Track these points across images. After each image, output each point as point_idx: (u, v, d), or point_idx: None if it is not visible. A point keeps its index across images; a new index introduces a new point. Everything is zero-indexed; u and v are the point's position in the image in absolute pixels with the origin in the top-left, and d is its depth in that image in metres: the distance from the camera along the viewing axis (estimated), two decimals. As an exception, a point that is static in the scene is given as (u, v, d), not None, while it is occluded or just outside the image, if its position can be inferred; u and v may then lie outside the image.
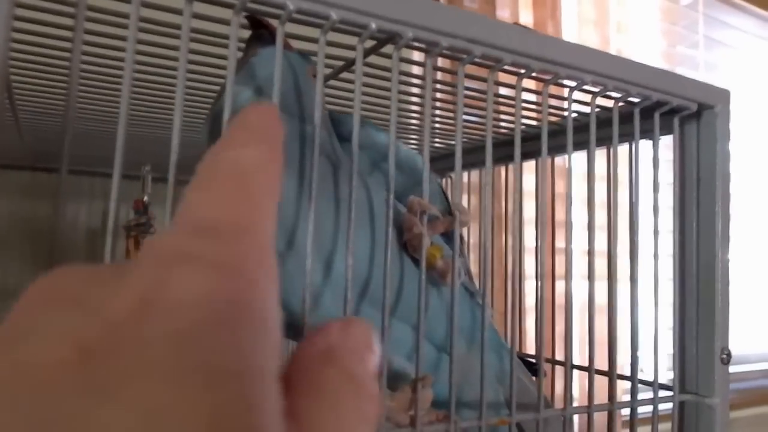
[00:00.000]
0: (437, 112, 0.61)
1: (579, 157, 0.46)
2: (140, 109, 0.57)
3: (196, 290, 0.12)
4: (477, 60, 0.38)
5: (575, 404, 0.42)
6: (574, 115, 0.44)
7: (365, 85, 0.50)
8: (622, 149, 0.46)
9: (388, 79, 0.42)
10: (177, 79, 0.30)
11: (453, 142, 0.70)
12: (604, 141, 0.47)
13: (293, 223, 0.37)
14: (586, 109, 0.46)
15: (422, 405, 0.36)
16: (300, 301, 0.32)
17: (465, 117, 0.59)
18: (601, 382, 0.44)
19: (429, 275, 0.40)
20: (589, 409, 0.43)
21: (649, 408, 0.45)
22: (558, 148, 0.47)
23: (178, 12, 0.32)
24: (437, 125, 0.65)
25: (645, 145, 0.48)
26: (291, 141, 0.38)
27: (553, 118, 0.55)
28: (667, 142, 0.48)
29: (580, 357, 0.87)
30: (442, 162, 0.75)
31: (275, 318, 0.13)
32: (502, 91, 0.54)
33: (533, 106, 0.56)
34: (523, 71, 0.40)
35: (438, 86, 0.54)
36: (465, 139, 0.66)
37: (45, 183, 0.81)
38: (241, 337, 0.12)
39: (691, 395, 0.47)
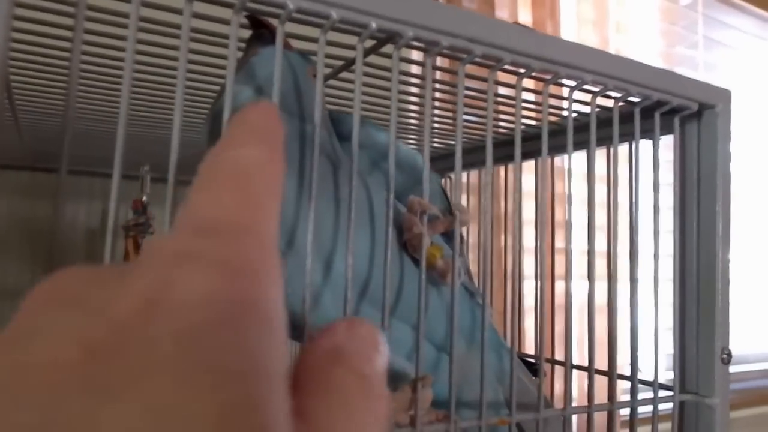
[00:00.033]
0: (436, 112, 0.61)
1: (577, 157, 0.46)
2: (140, 109, 0.57)
3: (201, 290, 0.12)
4: (477, 60, 0.38)
5: (574, 404, 0.42)
6: (573, 114, 0.44)
7: (365, 84, 0.50)
8: (622, 149, 0.46)
9: (387, 79, 0.42)
10: (177, 78, 0.30)
11: (451, 143, 0.70)
12: (604, 141, 0.47)
13: (293, 222, 0.37)
14: (586, 109, 0.46)
15: (422, 405, 0.36)
16: (300, 300, 0.32)
17: (464, 117, 0.59)
18: (599, 382, 0.44)
19: (429, 275, 0.40)
20: (589, 409, 0.43)
21: (649, 408, 0.45)
22: (557, 148, 0.47)
23: (178, 12, 0.32)
24: (435, 125, 0.65)
25: (645, 146, 0.48)
26: (291, 141, 0.38)
27: (552, 118, 0.55)
28: (666, 142, 0.48)
29: (578, 357, 0.87)
30: (440, 162, 0.75)
31: (280, 317, 0.13)
32: (502, 90, 0.54)
33: (533, 106, 0.56)
34: (523, 71, 0.40)
35: (437, 86, 0.54)
36: (464, 139, 0.66)
37: (44, 183, 0.81)
38: (247, 336, 0.12)
39: (691, 395, 0.47)
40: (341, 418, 0.13)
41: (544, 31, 1.26)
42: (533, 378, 0.49)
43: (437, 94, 0.57)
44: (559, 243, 0.73)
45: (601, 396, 0.44)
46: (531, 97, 0.54)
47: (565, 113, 0.54)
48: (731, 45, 1.82)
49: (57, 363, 0.11)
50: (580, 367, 0.53)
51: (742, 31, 1.86)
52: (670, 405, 0.46)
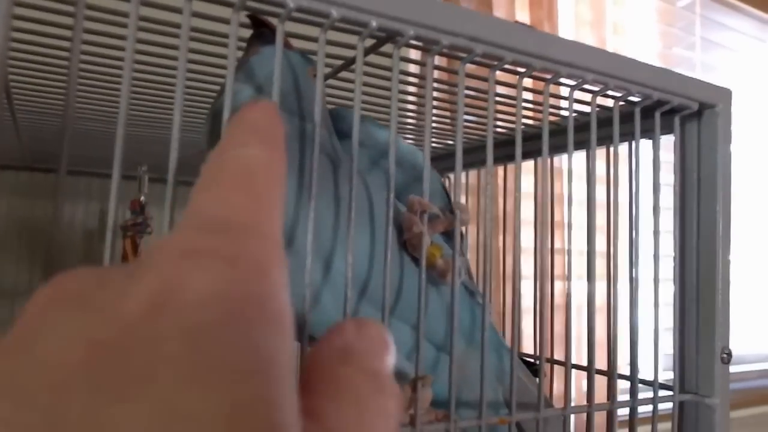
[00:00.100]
0: (434, 111, 0.61)
1: (576, 157, 0.46)
2: (139, 109, 0.56)
3: (208, 287, 0.12)
4: (477, 59, 0.38)
5: (573, 404, 0.42)
6: (573, 114, 0.44)
7: (364, 84, 0.49)
8: (622, 149, 0.46)
9: (387, 78, 0.42)
10: (176, 78, 0.30)
11: (449, 142, 0.70)
12: (604, 140, 0.47)
13: (293, 222, 0.37)
14: (586, 109, 0.46)
15: (422, 404, 0.36)
16: (299, 300, 0.32)
17: (464, 117, 0.59)
18: (599, 382, 0.44)
19: (429, 274, 0.39)
20: (589, 409, 0.43)
21: (649, 408, 0.45)
22: (557, 147, 0.47)
23: (177, 11, 0.32)
24: (434, 125, 0.65)
25: (644, 146, 0.48)
26: (291, 140, 0.38)
27: (552, 118, 0.55)
28: (666, 143, 0.48)
29: (577, 357, 0.87)
30: (438, 163, 0.75)
31: (287, 314, 0.13)
32: (501, 90, 0.54)
33: (532, 106, 0.56)
34: (524, 70, 0.40)
35: (436, 85, 0.54)
36: (464, 139, 0.66)
37: (42, 183, 0.81)
38: (255, 334, 0.12)
39: (691, 395, 0.47)
40: (352, 417, 0.13)
41: (542, 32, 1.26)
42: (533, 378, 0.49)
43: (436, 94, 0.57)
44: (559, 243, 0.73)
45: (599, 396, 0.44)
46: (529, 96, 0.54)
47: (564, 113, 0.54)
48: (729, 46, 1.83)
49: (64, 363, 0.11)
50: (579, 367, 0.53)
51: (740, 33, 1.87)
52: (669, 405, 0.46)
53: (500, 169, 0.72)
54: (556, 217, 0.71)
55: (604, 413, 0.44)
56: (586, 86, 0.42)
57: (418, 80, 0.57)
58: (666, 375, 0.45)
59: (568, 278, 0.50)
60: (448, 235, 0.45)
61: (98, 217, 0.86)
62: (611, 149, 0.46)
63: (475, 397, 0.39)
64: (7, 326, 0.13)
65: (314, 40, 0.34)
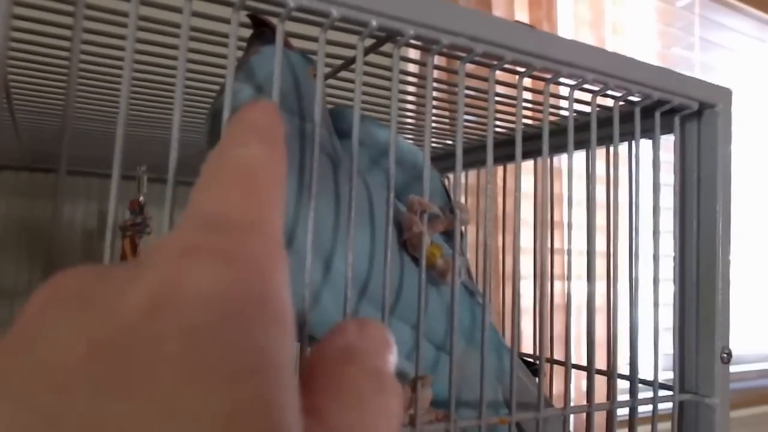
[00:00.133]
0: (434, 111, 0.61)
1: (576, 157, 0.46)
2: (139, 109, 0.56)
3: (209, 285, 0.12)
4: (477, 59, 0.38)
5: (573, 404, 0.42)
6: (573, 114, 0.44)
7: (364, 84, 0.49)
8: (621, 149, 0.46)
9: (387, 78, 0.42)
10: (176, 78, 0.30)
11: (449, 142, 0.70)
12: (604, 140, 0.47)
13: (293, 221, 0.37)
14: (586, 109, 0.46)
15: (422, 404, 0.36)
16: (299, 299, 0.32)
17: (464, 117, 0.59)
18: (599, 382, 0.44)
19: (429, 274, 0.39)
20: (589, 409, 0.43)
21: (649, 407, 0.45)
22: (557, 147, 0.47)
23: (177, 10, 0.32)
24: (434, 125, 0.65)
25: (644, 146, 0.48)
26: (291, 139, 0.38)
27: (552, 118, 0.55)
28: (666, 143, 0.48)
29: (577, 356, 0.87)
30: (438, 162, 0.75)
31: (288, 313, 0.13)
32: (501, 90, 0.54)
33: (532, 106, 0.56)
34: (524, 70, 0.40)
35: (436, 85, 0.54)
36: (463, 139, 0.66)
37: (42, 183, 0.81)
38: (256, 333, 0.12)
39: (691, 395, 0.47)
40: (354, 416, 0.13)
41: (542, 32, 1.26)
42: (533, 378, 0.49)
43: (436, 94, 0.57)
44: (558, 243, 0.73)
45: (598, 396, 0.44)
46: (529, 96, 0.54)
47: (564, 113, 0.54)
48: (728, 46, 1.83)
49: (64, 363, 0.11)
50: (579, 367, 0.53)
51: (739, 33, 1.87)
52: (669, 405, 0.46)
53: (500, 169, 0.72)
54: (556, 217, 0.71)
55: (603, 413, 0.44)
56: (586, 86, 0.42)
57: (418, 80, 0.57)
58: (666, 375, 0.45)
59: (568, 278, 0.50)
60: (448, 235, 0.45)
61: (98, 217, 0.86)
62: (611, 149, 0.46)
63: (475, 397, 0.39)
64: (6, 326, 0.13)
65: (314, 39, 0.34)
